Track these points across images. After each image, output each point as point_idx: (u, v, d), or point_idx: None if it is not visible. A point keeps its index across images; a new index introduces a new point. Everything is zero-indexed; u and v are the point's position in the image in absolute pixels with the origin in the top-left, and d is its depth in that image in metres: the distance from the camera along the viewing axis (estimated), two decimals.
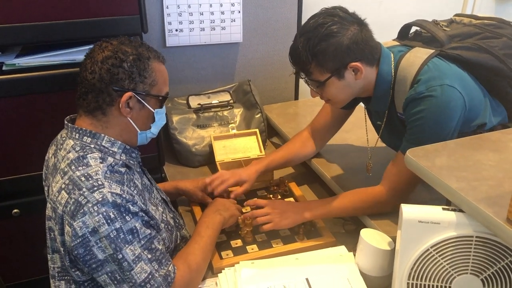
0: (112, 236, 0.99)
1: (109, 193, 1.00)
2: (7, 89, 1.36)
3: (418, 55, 1.26)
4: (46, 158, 1.20)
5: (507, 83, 1.32)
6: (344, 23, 1.21)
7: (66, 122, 1.15)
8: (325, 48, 1.20)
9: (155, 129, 1.19)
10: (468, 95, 1.21)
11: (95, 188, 1.00)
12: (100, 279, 1.03)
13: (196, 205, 1.51)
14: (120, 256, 1.00)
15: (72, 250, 1.01)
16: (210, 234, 1.24)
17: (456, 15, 1.44)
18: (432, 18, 1.42)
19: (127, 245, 1.00)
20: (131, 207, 1.03)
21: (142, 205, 1.08)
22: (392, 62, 1.29)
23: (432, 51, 1.27)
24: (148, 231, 1.06)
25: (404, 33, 1.42)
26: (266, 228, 1.33)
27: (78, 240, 0.99)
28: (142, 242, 1.03)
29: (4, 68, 1.38)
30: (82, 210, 0.99)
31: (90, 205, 0.99)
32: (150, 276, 1.03)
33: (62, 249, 1.06)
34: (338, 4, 1.28)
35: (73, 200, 1.00)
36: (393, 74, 1.28)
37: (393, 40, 1.43)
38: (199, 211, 1.48)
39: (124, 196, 1.02)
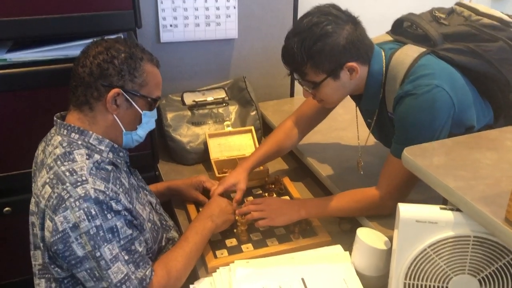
0: (91, 233, 0.98)
1: (92, 189, 1.00)
2: None
3: (409, 53, 1.25)
4: (35, 154, 1.20)
5: (497, 87, 1.30)
6: (339, 22, 1.19)
7: (55, 118, 1.14)
8: (321, 49, 1.17)
9: (141, 132, 1.17)
10: (458, 96, 1.19)
11: (79, 184, 1.00)
12: (80, 275, 1.03)
13: (190, 204, 1.50)
14: (98, 254, 0.99)
15: (51, 246, 1.01)
16: (197, 240, 1.22)
17: (458, 4, 1.39)
18: (432, 6, 1.40)
19: (105, 244, 1.00)
20: (114, 205, 1.02)
21: (127, 204, 1.07)
22: (383, 60, 1.27)
23: (423, 49, 1.25)
24: (130, 231, 1.05)
25: (397, 26, 1.40)
26: (261, 224, 1.32)
27: (58, 236, 0.99)
28: (122, 242, 1.03)
29: None
30: (64, 205, 0.98)
31: (72, 200, 0.98)
32: (126, 277, 1.02)
33: (41, 244, 1.05)
34: (335, 0, 1.26)
35: (56, 194, 1.00)
36: (384, 72, 1.27)
37: (386, 33, 1.41)
38: (194, 210, 1.46)
39: (107, 193, 1.02)
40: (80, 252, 0.99)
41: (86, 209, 0.98)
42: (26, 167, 1.43)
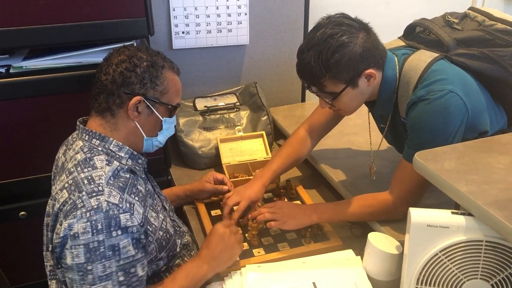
0: (91, 246, 0.97)
1: (106, 202, 1.00)
2: (14, 92, 1.36)
3: (422, 59, 1.24)
4: (56, 157, 1.21)
5: (511, 91, 1.29)
6: (352, 31, 1.18)
7: (78, 123, 1.16)
8: (338, 60, 1.17)
9: (162, 138, 1.19)
10: (471, 102, 1.19)
11: (94, 194, 1.00)
12: (67, 280, 1.03)
13: (200, 202, 1.52)
14: (90, 267, 0.98)
15: (55, 247, 1.02)
16: (185, 285, 1.13)
17: (471, 9, 1.38)
18: (444, 12, 1.40)
19: (103, 260, 0.98)
20: (124, 221, 1.00)
21: (139, 218, 1.05)
22: (397, 66, 1.27)
23: (436, 55, 1.24)
24: (133, 252, 1.02)
25: (409, 31, 1.40)
26: (273, 225, 1.32)
27: (59, 240, 1.00)
28: (121, 262, 1.00)
29: (11, 70, 1.38)
30: (75, 213, 0.99)
31: (84, 210, 0.99)
32: None
33: (51, 246, 1.07)
34: (345, 6, 1.27)
35: (71, 200, 1.01)
36: (397, 78, 1.27)
37: (399, 38, 1.41)
38: (205, 213, 1.48)
39: (120, 205, 1.01)
40: (69, 261, 0.99)
41: (93, 222, 0.98)
42: (41, 172, 1.46)
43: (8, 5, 1.28)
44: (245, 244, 1.35)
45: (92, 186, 1.02)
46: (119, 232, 1.00)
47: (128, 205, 1.03)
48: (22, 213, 1.54)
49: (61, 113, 1.43)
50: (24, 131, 1.43)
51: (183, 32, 1.86)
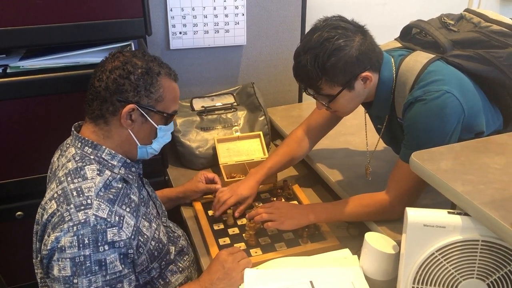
0: (77, 260, 0.97)
1: (94, 216, 0.98)
2: (11, 92, 1.36)
3: (418, 60, 1.25)
4: (51, 161, 1.20)
5: (506, 92, 1.30)
6: (349, 34, 1.19)
7: (72, 129, 1.14)
8: (335, 63, 1.18)
9: (156, 145, 1.17)
10: (468, 102, 1.20)
11: (82, 207, 0.99)
12: None
13: (197, 202, 1.53)
14: (76, 281, 0.97)
15: (43, 258, 1.01)
16: None
17: (467, 10, 1.39)
18: (441, 13, 1.40)
19: (88, 275, 0.97)
20: (111, 235, 0.99)
21: (129, 231, 1.03)
22: (393, 67, 1.28)
23: (432, 56, 1.25)
24: (120, 268, 1.01)
25: (406, 33, 1.40)
26: (270, 225, 1.33)
27: (46, 252, 0.99)
28: (108, 277, 0.99)
29: (8, 70, 1.38)
30: (62, 226, 0.98)
31: (71, 223, 0.97)
32: None
33: (39, 255, 1.06)
34: (342, 7, 1.27)
35: (59, 213, 1.00)
36: (394, 79, 1.27)
37: (395, 39, 1.42)
38: (201, 210, 1.49)
39: (109, 220, 1.00)
40: (56, 273, 0.98)
41: (80, 236, 0.96)
42: (38, 172, 1.46)
43: (5, 5, 1.28)
44: (243, 244, 1.36)
45: (80, 198, 1.00)
46: (106, 247, 0.99)
47: (117, 218, 1.02)
48: (19, 213, 1.53)
49: (58, 113, 1.43)
50: (21, 131, 1.43)
51: (180, 33, 1.86)
